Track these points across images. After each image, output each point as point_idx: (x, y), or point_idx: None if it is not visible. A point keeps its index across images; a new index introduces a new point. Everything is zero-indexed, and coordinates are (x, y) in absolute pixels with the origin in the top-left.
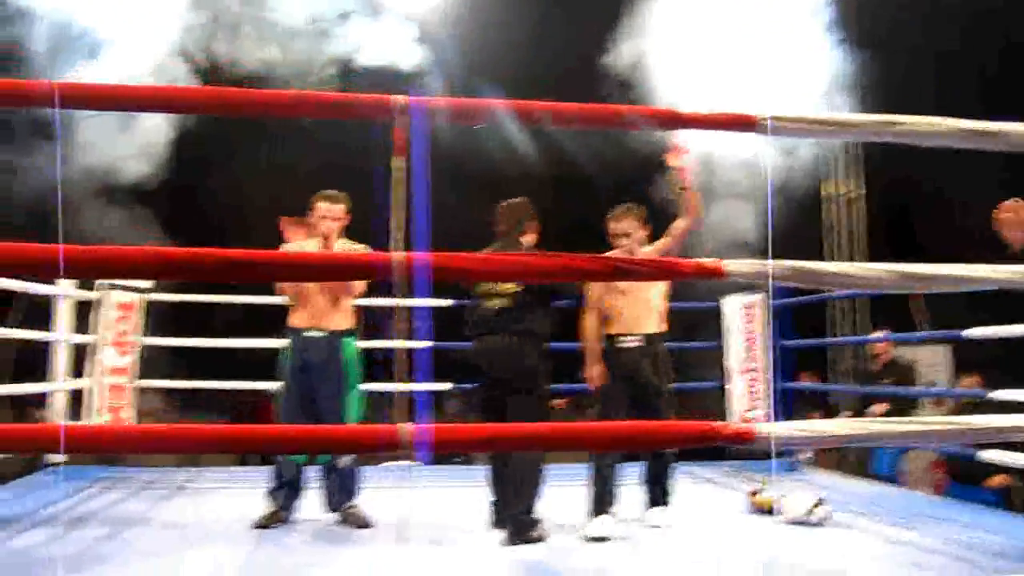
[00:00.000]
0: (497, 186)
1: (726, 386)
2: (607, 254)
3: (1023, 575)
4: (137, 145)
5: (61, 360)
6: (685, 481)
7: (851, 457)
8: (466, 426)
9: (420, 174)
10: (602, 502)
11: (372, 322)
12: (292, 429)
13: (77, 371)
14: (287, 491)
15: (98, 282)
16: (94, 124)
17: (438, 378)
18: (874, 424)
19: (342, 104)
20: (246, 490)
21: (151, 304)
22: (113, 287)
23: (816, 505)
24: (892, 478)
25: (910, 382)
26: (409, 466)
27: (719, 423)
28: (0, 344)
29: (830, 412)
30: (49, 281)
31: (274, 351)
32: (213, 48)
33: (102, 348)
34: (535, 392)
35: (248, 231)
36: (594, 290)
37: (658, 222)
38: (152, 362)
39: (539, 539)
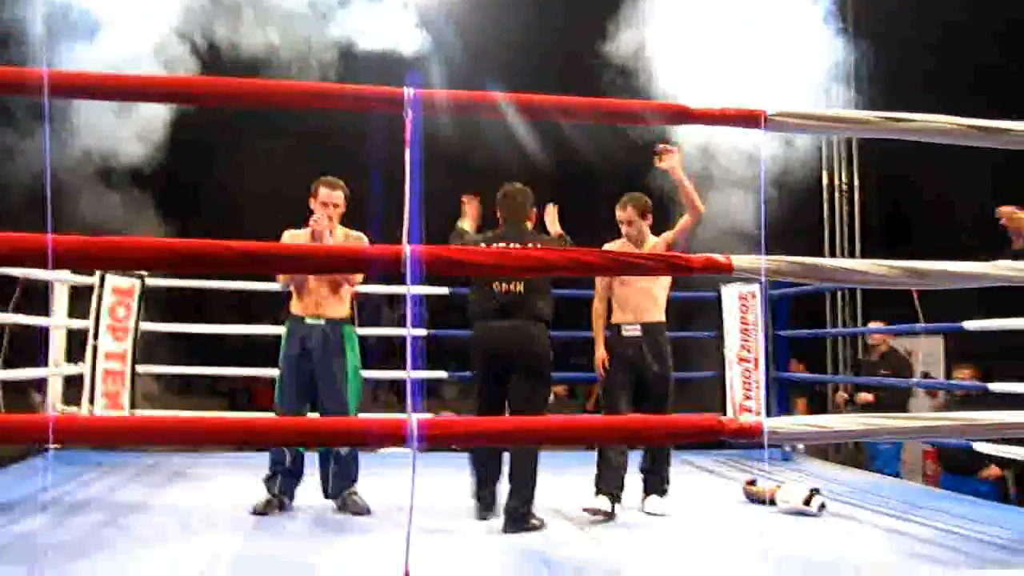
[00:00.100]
0: (494, 174)
1: (724, 375)
2: (613, 243)
3: (1019, 568)
4: (136, 128)
5: (57, 345)
6: (681, 470)
7: (848, 447)
8: (475, 419)
9: (416, 164)
10: (606, 482)
11: (368, 309)
12: (296, 422)
13: (77, 356)
14: (285, 477)
15: None
16: (93, 106)
17: (433, 365)
18: (877, 420)
19: (353, 95)
20: (245, 475)
21: (147, 289)
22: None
23: (812, 495)
24: (896, 474)
25: (906, 373)
26: (407, 453)
27: (725, 418)
28: None
29: (816, 400)
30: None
31: (270, 337)
32: (213, 31)
33: (99, 333)
34: (542, 378)
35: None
36: (601, 279)
37: (662, 210)
38: (148, 347)
39: (537, 527)
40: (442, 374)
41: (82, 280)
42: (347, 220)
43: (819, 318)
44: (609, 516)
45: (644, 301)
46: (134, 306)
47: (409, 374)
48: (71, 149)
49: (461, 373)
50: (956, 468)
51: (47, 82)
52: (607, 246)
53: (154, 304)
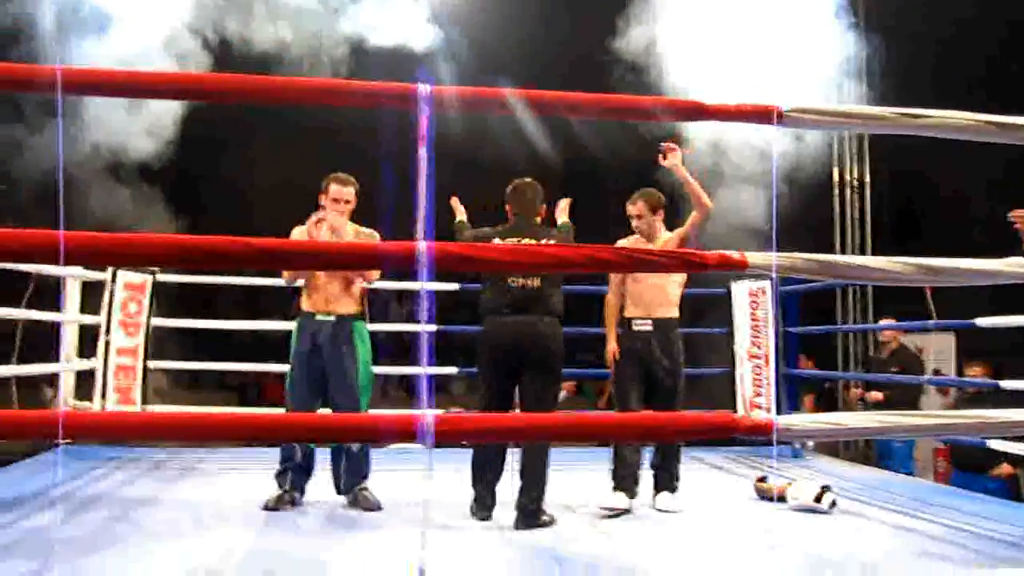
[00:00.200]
0: (503, 170)
1: (735, 372)
2: (626, 239)
3: None
4: (146, 123)
5: (69, 340)
6: (691, 466)
7: (857, 444)
8: (489, 416)
9: (428, 161)
10: (622, 478)
11: (377, 305)
12: (310, 418)
13: (90, 351)
14: (296, 473)
15: None
16: (103, 101)
17: (441, 361)
18: (892, 417)
19: (366, 92)
20: (256, 471)
21: (158, 284)
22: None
23: (823, 492)
24: (910, 472)
25: (917, 370)
26: (417, 449)
27: (739, 415)
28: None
29: (823, 396)
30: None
31: (279, 332)
32: (224, 26)
33: (111, 329)
34: (555, 374)
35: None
36: (615, 274)
37: (673, 206)
38: (158, 342)
39: (548, 523)
40: (452, 370)
41: (94, 276)
42: (356, 215)
43: (829, 314)
44: (626, 512)
45: (656, 297)
46: (146, 302)
47: (425, 370)
48: (81, 144)
49: (470, 369)
50: (968, 466)
51: (60, 79)
52: (620, 242)
53: (163, 299)
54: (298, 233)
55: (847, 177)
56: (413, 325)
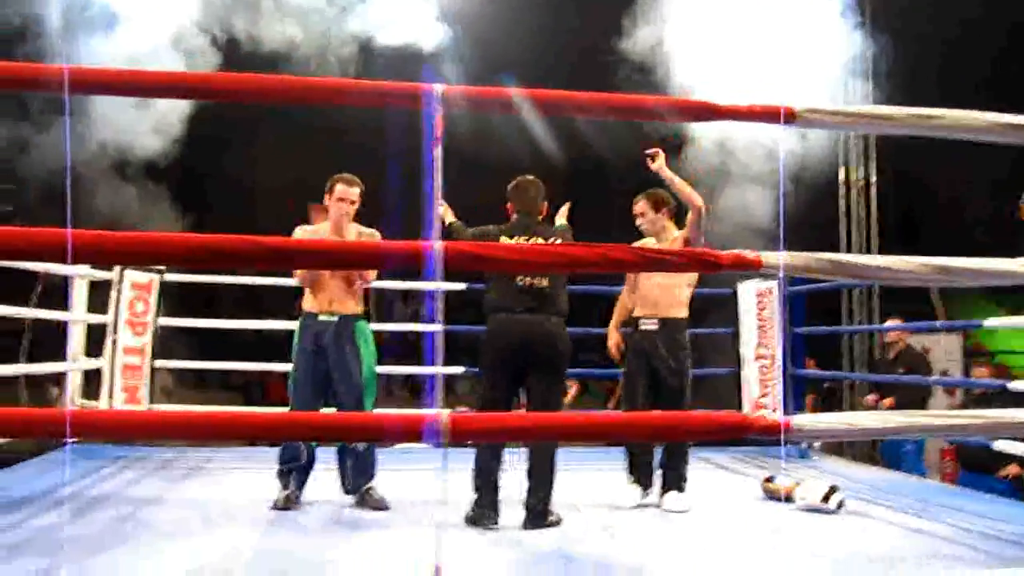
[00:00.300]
0: (508, 170)
1: (740, 372)
2: (640, 242)
3: None
4: (153, 121)
5: (77, 340)
6: (698, 466)
7: (863, 445)
8: (501, 415)
9: (440, 161)
10: (637, 471)
11: (382, 305)
12: (323, 417)
13: (98, 351)
14: (299, 473)
15: None
16: (110, 99)
17: (448, 360)
18: (904, 417)
19: (378, 92)
20: (262, 470)
21: (165, 284)
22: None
23: (831, 492)
24: (923, 475)
25: (924, 372)
26: (423, 448)
27: (754, 415)
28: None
29: (825, 397)
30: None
31: (283, 332)
32: (232, 24)
33: (118, 328)
34: (561, 373)
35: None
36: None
37: (680, 204)
38: (163, 341)
39: (555, 523)
40: (459, 369)
41: (102, 275)
42: (361, 214)
43: (834, 315)
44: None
45: (663, 296)
46: (152, 301)
47: (439, 370)
48: (88, 142)
49: (476, 369)
50: (975, 466)
51: (67, 78)
52: (636, 244)
53: (167, 299)
54: (301, 232)
55: (853, 177)
56: (421, 325)
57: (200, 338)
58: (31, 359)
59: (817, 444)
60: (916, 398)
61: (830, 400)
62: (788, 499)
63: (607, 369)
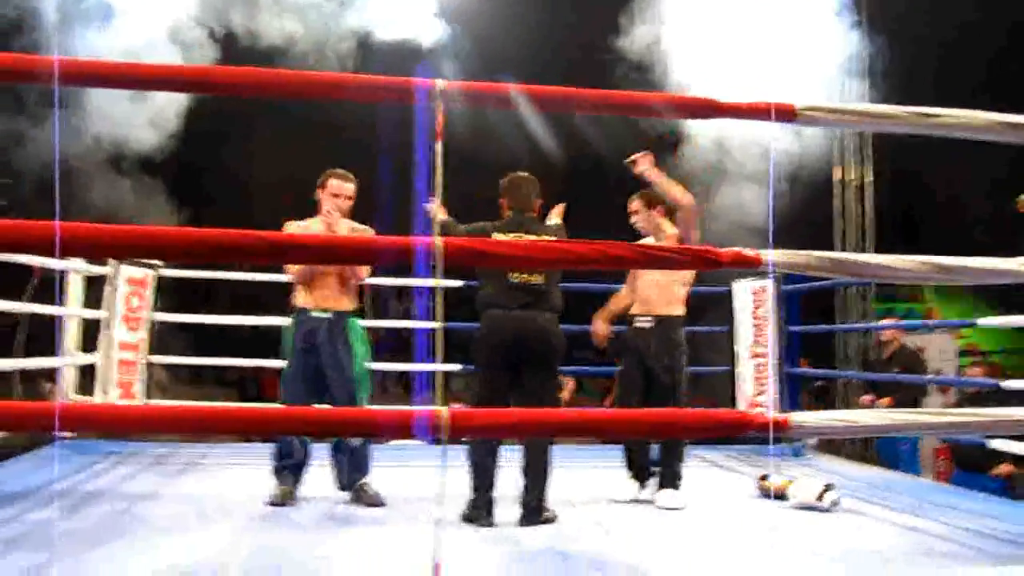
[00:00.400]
0: (506, 166)
1: (735, 370)
2: (642, 241)
3: None
4: (148, 114)
5: (71, 334)
6: (693, 464)
7: (855, 443)
8: (499, 411)
9: (436, 156)
10: (635, 466)
11: (377, 302)
12: (319, 412)
13: (93, 346)
14: (296, 469)
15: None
16: (105, 92)
17: (443, 357)
18: (903, 415)
19: (377, 87)
20: (258, 465)
21: (160, 279)
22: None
23: (825, 490)
24: (918, 474)
25: (918, 370)
26: (418, 444)
27: (753, 412)
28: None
29: (817, 395)
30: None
31: (279, 327)
32: (230, 18)
33: (113, 323)
34: (555, 370)
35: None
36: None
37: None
38: (158, 336)
39: (551, 520)
40: (456, 366)
41: (97, 270)
42: (356, 210)
43: (828, 314)
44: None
45: (658, 294)
46: (148, 296)
47: (441, 367)
48: (83, 135)
49: (471, 365)
50: (968, 465)
51: (58, 70)
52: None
53: (163, 294)
54: (294, 227)
55: (848, 176)
56: (415, 322)
57: (195, 334)
58: (27, 354)
59: (812, 442)
60: (911, 397)
61: (823, 398)
62: (783, 497)
63: (601, 367)
